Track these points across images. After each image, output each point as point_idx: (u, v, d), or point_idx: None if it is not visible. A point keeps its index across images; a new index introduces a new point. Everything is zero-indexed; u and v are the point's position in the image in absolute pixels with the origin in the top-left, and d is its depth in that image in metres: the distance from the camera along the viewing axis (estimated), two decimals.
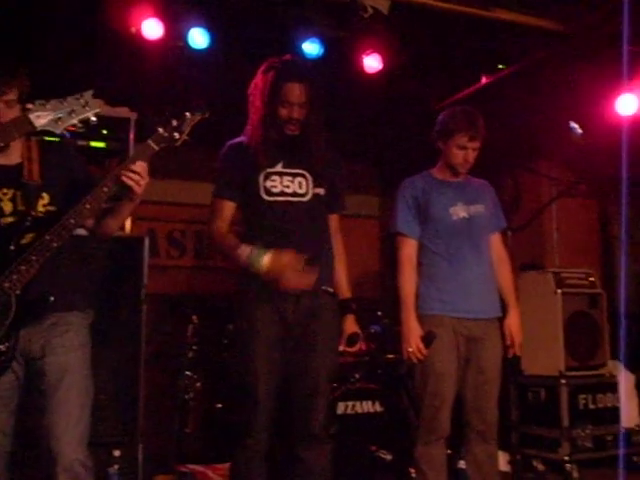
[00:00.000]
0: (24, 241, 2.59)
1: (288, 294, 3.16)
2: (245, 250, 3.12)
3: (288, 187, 3.24)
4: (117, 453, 3.81)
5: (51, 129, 2.46)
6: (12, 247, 2.57)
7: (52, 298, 2.59)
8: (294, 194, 3.25)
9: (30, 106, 2.47)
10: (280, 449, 3.81)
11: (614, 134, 5.29)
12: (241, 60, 4.61)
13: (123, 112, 4.48)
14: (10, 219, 2.65)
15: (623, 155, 4.62)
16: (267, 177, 3.23)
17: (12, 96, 2.57)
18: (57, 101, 2.46)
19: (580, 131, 5.66)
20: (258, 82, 3.25)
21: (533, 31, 4.70)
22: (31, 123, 2.42)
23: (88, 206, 2.57)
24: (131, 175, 2.55)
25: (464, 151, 3.64)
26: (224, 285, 3.33)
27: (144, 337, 4.33)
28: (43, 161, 2.73)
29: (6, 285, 2.53)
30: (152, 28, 4.57)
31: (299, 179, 3.27)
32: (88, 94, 2.50)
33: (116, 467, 3.78)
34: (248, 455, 3.21)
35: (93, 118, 2.52)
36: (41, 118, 2.42)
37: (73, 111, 2.47)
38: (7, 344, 2.54)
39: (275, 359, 3.20)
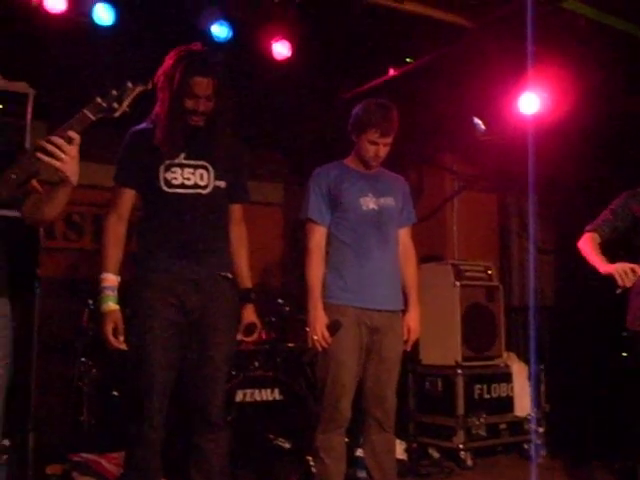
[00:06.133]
0: None
1: (186, 279, 3.18)
2: (105, 279, 3.18)
3: (189, 179, 3.23)
4: (6, 442, 3.68)
5: None
6: None
7: None
8: (195, 186, 3.24)
9: None
10: (177, 437, 3.76)
11: (516, 131, 5.45)
12: (147, 40, 4.51)
13: (21, 87, 4.32)
14: None
15: (529, 154, 4.75)
16: (168, 168, 3.21)
17: None
18: None
19: (483, 127, 5.77)
20: (166, 71, 3.20)
21: (441, 25, 4.75)
22: None
23: (13, 176, 2.37)
24: (48, 148, 2.33)
25: (375, 146, 3.64)
26: (121, 269, 3.25)
27: (37, 321, 4.21)
28: None
29: None
30: (55, 1, 4.40)
31: (201, 171, 3.25)
32: None
33: (5, 457, 3.64)
34: (144, 443, 3.15)
35: None
36: None
37: None
38: None
39: (172, 344, 3.16)
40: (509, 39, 4.70)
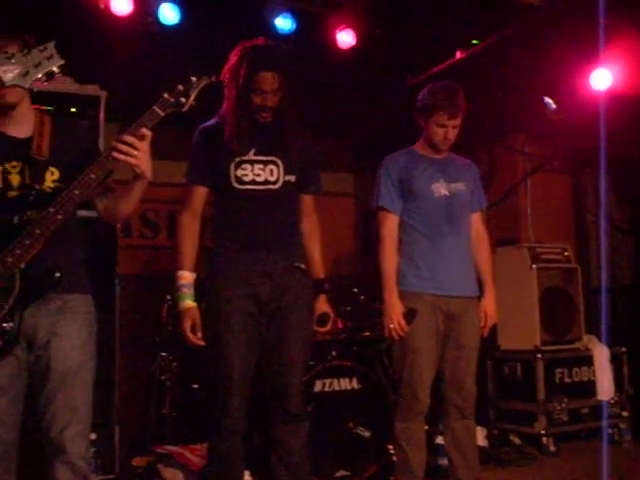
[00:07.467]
0: (29, 215, 2.49)
1: (260, 271, 3.21)
2: (181, 276, 3.23)
3: (259, 175, 3.25)
4: (93, 436, 3.76)
5: (20, 84, 2.33)
6: (15, 221, 2.48)
7: (58, 274, 2.49)
8: (265, 182, 3.26)
9: None
10: (258, 430, 3.80)
11: (588, 109, 5.31)
12: (213, 36, 4.55)
13: (92, 90, 4.42)
14: (16, 193, 2.56)
15: (600, 130, 4.63)
16: (238, 165, 3.23)
17: (12, 50, 2.43)
18: (22, 54, 2.31)
19: (554, 106, 5.66)
20: (231, 68, 3.23)
21: (507, 4, 4.66)
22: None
23: (93, 176, 2.46)
24: (121, 147, 2.43)
25: (444, 129, 3.61)
26: (198, 264, 3.31)
27: (118, 318, 4.31)
28: (55, 137, 2.65)
29: (9, 260, 2.43)
30: (121, 4, 4.48)
31: (271, 166, 3.27)
32: (51, 46, 2.36)
33: (92, 450, 3.73)
34: (225, 435, 3.19)
35: (56, 70, 2.40)
36: (8, 72, 2.27)
37: (39, 64, 2.32)
38: (12, 323, 2.44)
39: (249, 336, 3.19)
40: (579, 14, 4.58)
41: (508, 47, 5.09)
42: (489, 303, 3.74)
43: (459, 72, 5.13)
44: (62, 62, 2.37)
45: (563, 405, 5.36)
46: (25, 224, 2.47)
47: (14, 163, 2.59)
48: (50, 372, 2.55)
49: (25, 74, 2.31)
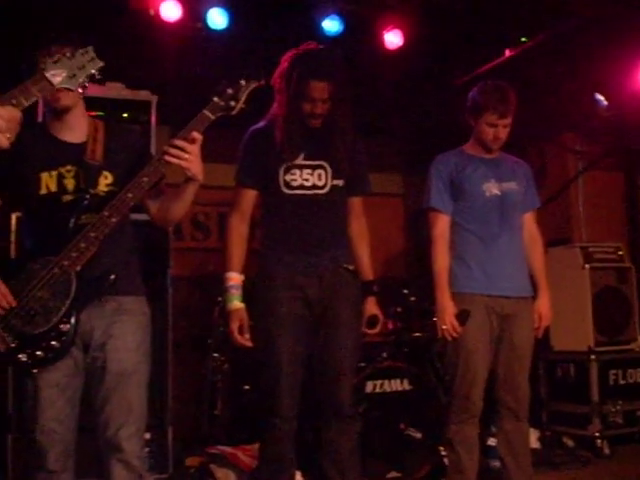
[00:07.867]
0: (83, 219, 2.55)
1: (309, 272, 3.23)
2: (230, 278, 3.27)
3: (307, 180, 3.27)
4: (147, 436, 3.82)
5: (69, 86, 2.34)
6: (71, 225, 2.53)
7: (113, 276, 2.55)
8: (313, 187, 3.28)
9: (43, 64, 2.40)
10: (308, 429, 3.81)
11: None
12: (261, 39, 4.59)
13: (144, 95, 4.48)
14: (71, 197, 2.62)
15: None
16: (287, 170, 3.26)
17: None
18: (67, 58, 2.32)
19: (605, 103, 5.58)
20: (282, 74, 3.24)
21: (557, 1, 4.61)
22: (50, 82, 2.34)
23: (145, 179, 2.51)
24: (172, 151, 2.48)
25: (494, 128, 3.58)
26: (249, 266, 3.33)
27: (171, 320, 4.36)
28: (108, 142, 2.71)
29: (65, 263, 2.48)
30: (170, 10, 4.56)
31: (319, 171, 3.29)
32: (90, 49, 2.38)
33: (146, 450, 3.77)
34: (276, 435, 3.21)
35: (95, 72, 2.42)
36: (57, 76, 2.29)
37: (83, 67, 2.34)
38: (68, 325, 2.50)
39: (299, 337, 3.21)
40: (629, 7, 4.52)
41: (558, 44, 5.04)
42: (543, 303, 3.69)
43: (509, 70, 5.09)
44: (102, 64, 2.40)
45: (618, 407, 5.27)
46: (80, 227, 2.52)
47: (69, 168, 2.65)
48: (106, 373, 2.59)
49: (72, 77, 2.34)
